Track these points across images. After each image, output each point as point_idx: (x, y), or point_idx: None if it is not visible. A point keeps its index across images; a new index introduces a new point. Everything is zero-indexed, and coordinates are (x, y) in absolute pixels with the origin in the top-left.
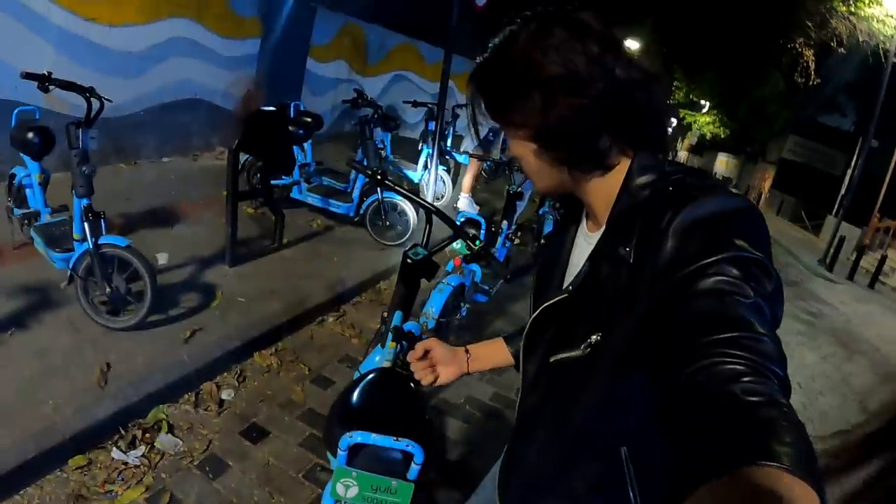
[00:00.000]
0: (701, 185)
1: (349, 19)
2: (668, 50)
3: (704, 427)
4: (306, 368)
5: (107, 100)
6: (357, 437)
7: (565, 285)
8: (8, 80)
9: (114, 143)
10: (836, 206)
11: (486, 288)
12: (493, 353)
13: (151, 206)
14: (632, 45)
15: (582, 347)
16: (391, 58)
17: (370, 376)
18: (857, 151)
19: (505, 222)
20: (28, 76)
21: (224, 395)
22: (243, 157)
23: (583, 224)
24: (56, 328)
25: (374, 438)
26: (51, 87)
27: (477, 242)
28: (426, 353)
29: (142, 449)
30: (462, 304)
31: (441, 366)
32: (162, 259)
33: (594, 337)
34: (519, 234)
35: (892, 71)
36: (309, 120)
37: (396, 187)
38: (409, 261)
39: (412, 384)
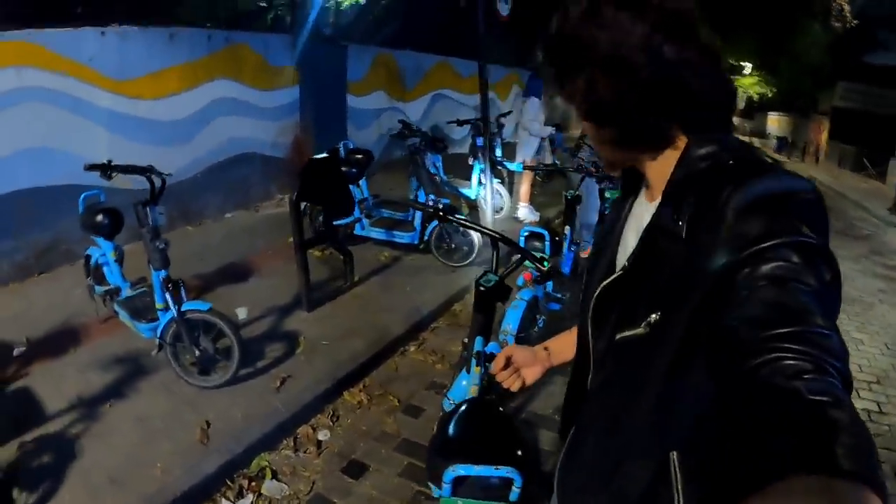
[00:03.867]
0: (763, 161)
1: (380, 50)
2: (701, 14)
3: (766, 425)
4: (395, 400)
5: (167, 175)
6: (460, 469)
7: (620, 260)
8: (69, 166)
9: (178, 208)
10: None
11: (559, 295)
12: (570, 343)
13: (224, 263)
14: None
15: (643, 325)
16: (428, 79)
17: (462, 408)
18: None
19: (567, 228)
20: (91, 168)
21: (321, 437)
22: (302, 203)
23: (641, 195)
24: (152, 394)
25: (476, 469)
26: (113, 174)
27: (545, 263)
28: (507, 360)
29: (250, 497)
30: (538, 315)
31: (524, 368)
32: (242, 314)
33: (654, 316)
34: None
35: None
36: (360, 157)
37: (458, 219)
38: (482, 288)
39: (500, 409)
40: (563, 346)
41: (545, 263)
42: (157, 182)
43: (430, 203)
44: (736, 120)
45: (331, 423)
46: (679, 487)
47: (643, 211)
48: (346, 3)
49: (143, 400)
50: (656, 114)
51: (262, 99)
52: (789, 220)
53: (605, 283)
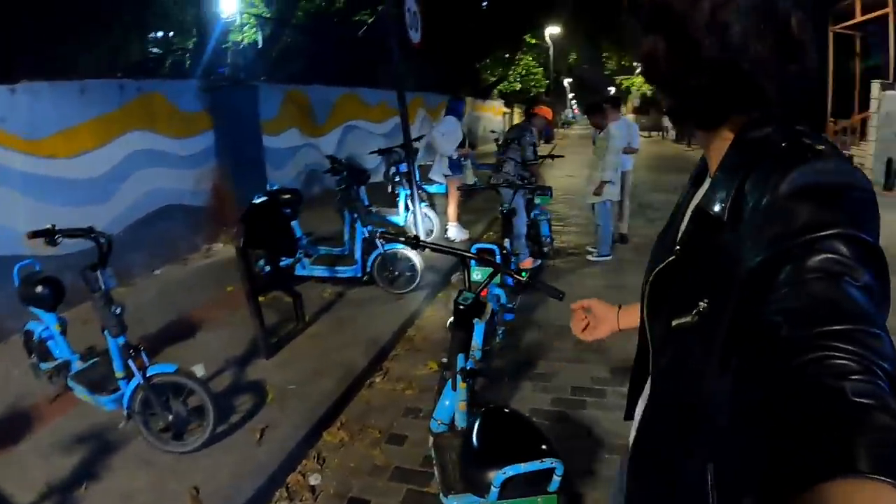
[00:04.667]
0: (817, 146)
1: (289, 87)
2: (590, 24)
3: (808, 426)
4: (376, 431)
5: (111, 235)
6: (509, 471)
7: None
8: None
9: None
10: None
11: (511, 306)
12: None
13: (165, 322)
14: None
15: (693, 313)
16: (337, 111)
17: (478, 420)
18: None
19: (507, 241)
20: (34, 235)
21: (312, 481)
22: None
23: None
24: (128, 468)
25: (524, 467)
26: (58, 240)
27: (523, 274)
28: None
29: None
30: (496, 328)
31: (600, 322)
32: (199, 371)
33: (702, 304)
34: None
35: None
36: (289, 197)
37: (436, 245)
38: (461, 307)
39: (507, 410)
40: (633, 312)
41: (523, 274)
42: (104, 244)
43: (367, 234)
44: (631, 117)
45: (319, 466)
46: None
47: (702, 192)
48: (246, 41)
49: (120, 477)
50: (710, 98)
51: (177, 147)
52: (840, 211)
53: (658, 268)
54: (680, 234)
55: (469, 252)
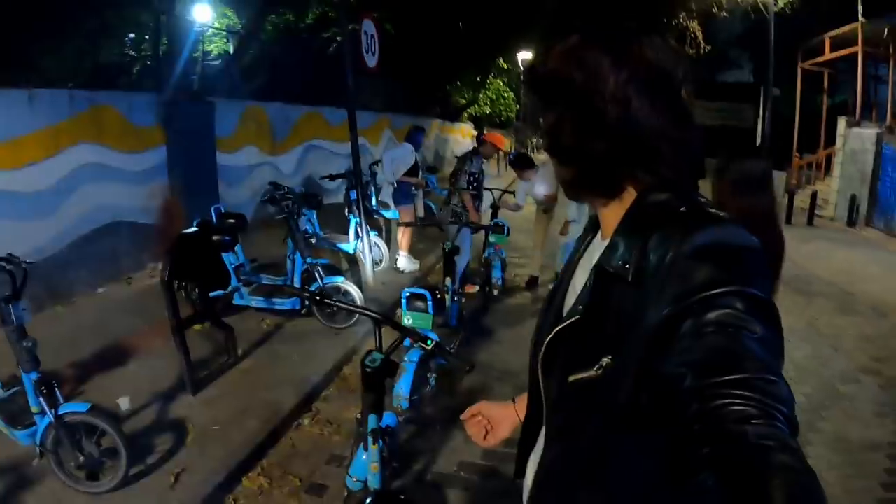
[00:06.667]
0: (713, 213)
1: (248, 103)
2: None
3: (711, 470)
4: (297, 480)
5: (27, 263)
6: None
7: (569, 299)
8: None
9: (45, 286)
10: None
11: (448, 348)
12: None
13: (100, 347)
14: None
15: (595, 368)
16: (298, 130)
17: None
18: (762, 101)
19: (448, 279)
20: None
21: None
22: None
23: (599, 233)
24: None
25: None
26: None
27: (428, 342)
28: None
29: None
30: (428, 374)
31: (499, 423)
32: (124, 404)
33: (605, 359)
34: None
35: (775, 22)
36: (232, 221)
37: (337, 303)
38: (368, 369)
39: (401, 497)
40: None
41: (428, 342)
42: (19, 274)
43: (308, 265)
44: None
45: None
46: None
47: (595, 249)
48: (215, 51)
49: None
50: (615, 165)
51: (128, 162)
52: (736, 271)
53: (558, 327)
54: (578, 293)
55: (375, 312)
